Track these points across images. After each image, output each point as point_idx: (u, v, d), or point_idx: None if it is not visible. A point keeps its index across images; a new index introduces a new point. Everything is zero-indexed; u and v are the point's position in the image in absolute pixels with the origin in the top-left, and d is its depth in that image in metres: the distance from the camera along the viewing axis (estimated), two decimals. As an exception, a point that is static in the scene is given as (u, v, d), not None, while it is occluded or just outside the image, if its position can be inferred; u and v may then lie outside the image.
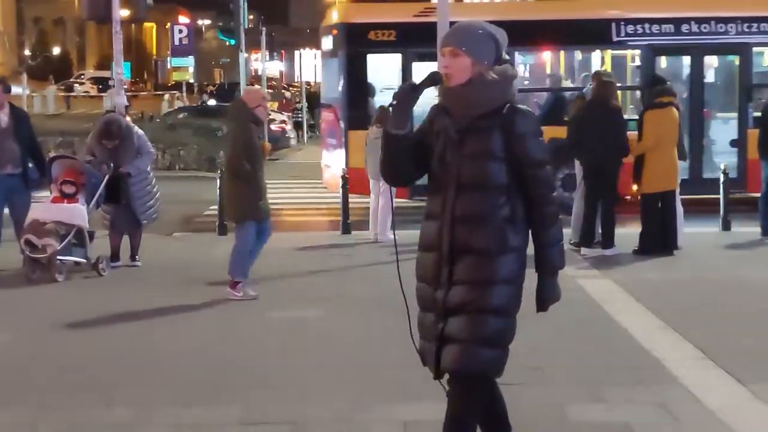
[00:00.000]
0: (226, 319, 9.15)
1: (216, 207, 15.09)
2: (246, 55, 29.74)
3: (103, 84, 70.61)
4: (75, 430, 6.07)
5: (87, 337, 8.56)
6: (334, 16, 18.94)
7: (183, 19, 62.22)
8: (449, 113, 4.56)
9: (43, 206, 11.33)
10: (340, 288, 10.58)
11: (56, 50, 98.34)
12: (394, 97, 4.56)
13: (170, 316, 9.30)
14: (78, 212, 11.22)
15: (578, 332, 8.45)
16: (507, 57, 4.61)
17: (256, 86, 14.41)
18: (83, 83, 79.04)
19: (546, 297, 4.68)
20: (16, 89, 48.21)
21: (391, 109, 4.56)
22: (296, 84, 65.00)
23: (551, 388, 6.78)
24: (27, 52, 78.63)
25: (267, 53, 41.39)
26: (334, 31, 18.54)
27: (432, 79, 4.59)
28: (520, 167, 4.48)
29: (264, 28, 40.44)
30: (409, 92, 4.55)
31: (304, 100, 41.63)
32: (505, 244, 4.47)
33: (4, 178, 11.49)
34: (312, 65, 47.62)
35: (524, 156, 4.48)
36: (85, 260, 11.35)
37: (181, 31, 37.28)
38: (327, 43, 19.18)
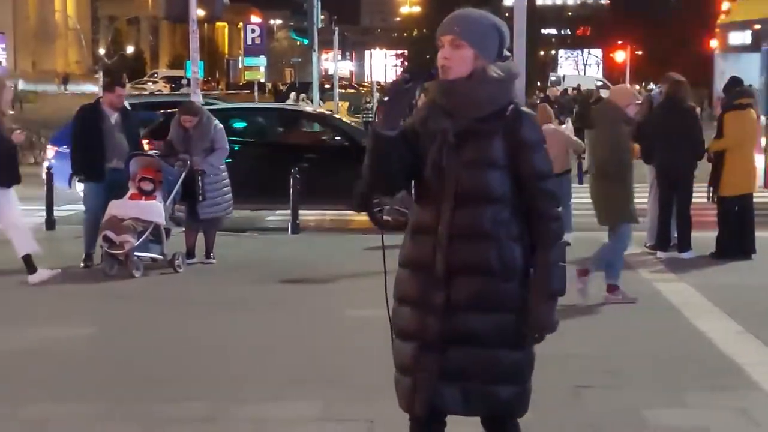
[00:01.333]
0: (301, 315, 9.21)
1: (288, 206, 15.16)
2: (318, 54, 29.86)
3: (175, 83, 71.45)
4: (152, 424, 6.14)
5: (164, 332, 8.67)
6: (740, 12, 19.18)
7: (255, 19, 62.63)
8: (448, 113, 3.98)
9: (122, 203, 11.48)
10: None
11: (130, 49, 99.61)
12: (387, 92, 4.03)
13: (245, 313, 9.38)
14: (155, 209, 11.36)
15: (655, 336, 8.37)
16: (508, 54, 4.09)
17: (625, 84, 14.15)
18: (156, 82, 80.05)
19: (540, 326, 3.97)
20: (92, 88, 49.08)
21: (381, 105, 4.07)
22: (366, 84, 65.20)
23: (629, 392, 6.72)
24: (101, 51, 79.72)
25: (339, 53, 41.54)
26: (756, 27, 18.70)
27: (429, 75, 4.06)
28: (522, 178, 3.92)
29: (336, 28, 40.64)
30: (403, 87, 3.95)
31: (375, 100, 41.71)
32: (513, 265, 3.91)
33: (110, 172, 11.71)
34: (382, 65, 47.68)
35: (529, 166, 3.92)
36: (161, 256, 11.49)
37: (253, 31, 37.50)
38: (739, 38, 19.29)
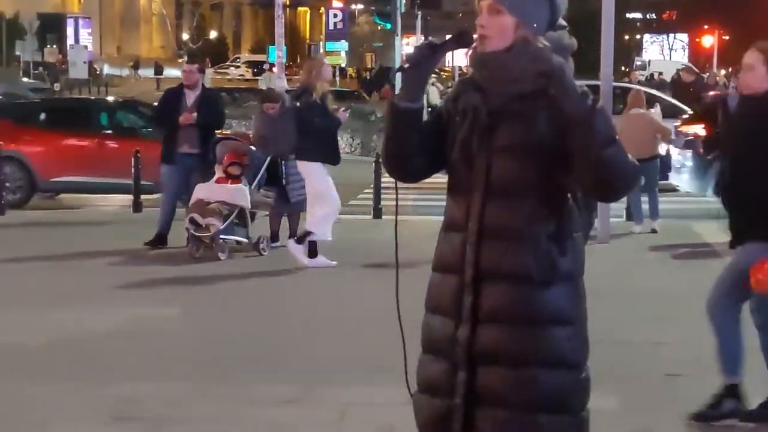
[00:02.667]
0: (387, 300, 9.21)
1: (370, 191, 15.17)
2: (400, 39, 29.86)
3: (257, 68, 71.92)
4: (238, 404, 6.20)
5: (249, 314, 8.74)
6: None
7: (337, 4, 62.78)
8: (481, 89, 3.38)
9: (208, 186, 11.59)
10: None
11: (213, 34, 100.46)
12: (408, 59, 3.43)
13: (330, 296, 9.42)
14: (241, 193, 11.45)
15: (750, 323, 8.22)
16: (563, 24, 3.45)
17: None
18: (239, 66, 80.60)
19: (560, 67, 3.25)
20: (176, 72, 49.63)
21: (401, 74, 3.40)
22: (447, 69, 65.00)
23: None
24: (185, 36, 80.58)
25: (421, 37, 41.48)
26: None
27: (461, 39, 3.42)
28: (576, 151, 3.24)
29: (419, 12, 40.54)
30: (427, 53, 3.37)
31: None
32: (552, 269, 3.30)
33: (182, 157, 11.83)
34: (464, 49, 47.33)
35: (582, 135, 3.21)
36: (246, 240, 11.58)
37: (335, 16, 37.65)
38: None
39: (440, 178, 3.52)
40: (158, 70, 64.10)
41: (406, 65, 3.39)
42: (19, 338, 7.79)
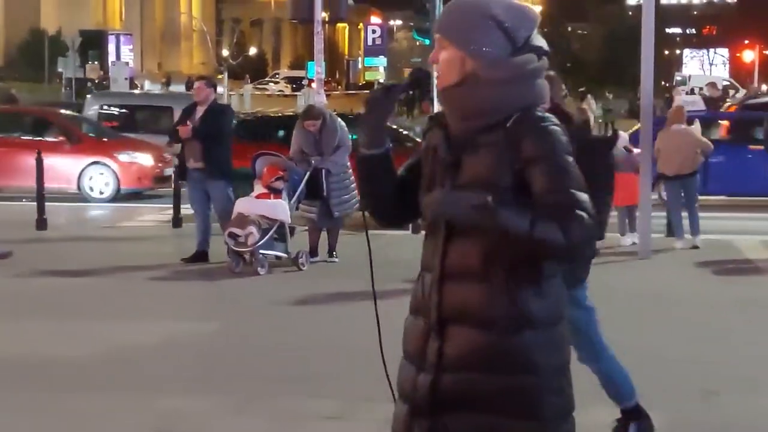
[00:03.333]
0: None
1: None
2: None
3: (296, 83, 72.24)
4: (281, 419, 6.22)
5: (290, 329, 8.77)
6: None
7: (375, 20, 63.06)
8: (446, 124, 3.23)
9: (248, 201, 11.66)
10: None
11: (253, 50, 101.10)
12: (365, 104, 3.32)
13: (370, 312, 9.42)
14: (281, 208, 11.51)
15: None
16: (537, 44, 3.20)
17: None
18: (278, 82, 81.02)
19: (444, 201, 3.09)
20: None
21: (361, 120, 3.30)
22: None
23: (762, 398, 6.57)
24: (225, 53, 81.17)
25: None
26: None
27: (416, 79, 3.37)
28: (535, 199, 3.05)
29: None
30: (380, 96, 3.28)
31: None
32: (519, 314, 3.08)
33: (191, 172, 11.92)
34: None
35: (538, 182, 3.05)
36: (285, 254, 11.63)
37: (374, 32, 37.79)
38: None
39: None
40: (189, 86, 64.46)
41: (363, 112, 3.30)
42: (65, 351, 7.87)
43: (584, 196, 3.03)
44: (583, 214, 3.00)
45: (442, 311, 3.17)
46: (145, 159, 19.61)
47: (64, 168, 18.89)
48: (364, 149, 3.28)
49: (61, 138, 19.91)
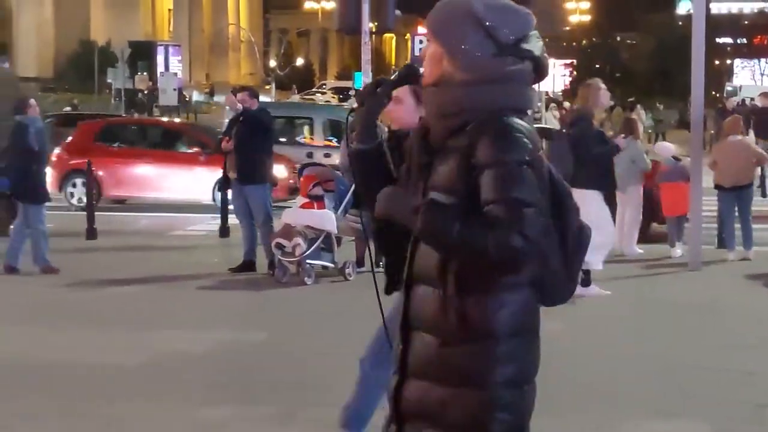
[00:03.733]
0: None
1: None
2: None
3: (343, 94, 72.42)
4: (327, 428, 6.20)
5: (335, 339, 8.75)
6: None
7: (422, 30, 63.00)
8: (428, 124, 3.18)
9: (295, 211, 11.68)
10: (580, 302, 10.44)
11: (300, 61, 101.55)
12: (357, 98, 3.34)
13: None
14: (328, 218, 11.51)
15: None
16: (528, 47, 3.08)
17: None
18: (325, 93, 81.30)
19: (387, 199, 3.07)
20: (263, 99, 50.19)
21: (350, 116, 3.31)
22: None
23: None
24: (272, 63, 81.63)
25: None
26: None
27: (405, 74, 3.33)
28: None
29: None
30: (371, 91, 3.27)
31: (544, 110, 41.40)
32: (467, 324, 2.99)
33: (233, 182, 11.97)
34: (551, 74, 47.12)
35: (484, 191, 2.94)
36: (332, 264, 11.63)
37: (421, 42, 37.64)
38: None
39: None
40: (211, 93, 64.94)
41: (354, 107, 3.29)
42: (112, 359, 7.92)
43: (526, 210, 2.89)
44: (516, 227, 2.87)
45: (407, 316, 3.12)
46: (279, 170, 19.39)
47: (198, 179, 18.90)
48: (356, 144, 3.26)
49: (195, 149, 19.82)
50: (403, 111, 4.99)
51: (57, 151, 19.33)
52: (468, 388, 2.99)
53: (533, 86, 3.17)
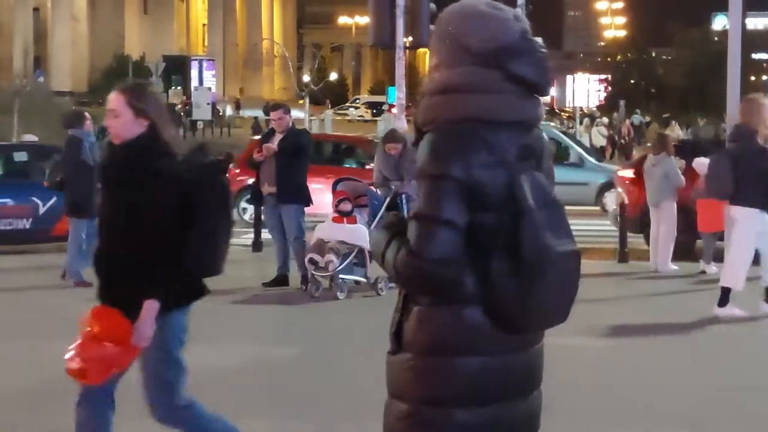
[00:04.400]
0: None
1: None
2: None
3: (376, 108, 72.59)
4: (361, 446, 6.18)
5: (367, 354, 8.71)
6: None
7: (456, 45, 63.01)
8: None
9: (327, 226, 11.68)
10: (615, 317, 10.36)
11: (333, 76, 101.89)
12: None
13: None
14: (360, 233, 11.50)
15: None
16: (504, 59, 3.00)
17: None
18: (358, 107, 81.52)
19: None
20: (297, 114, 50.35)
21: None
22: (568, 109, 64.61)
23: None
24: (306, 78, 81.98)
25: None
26: None
27: None
28: None
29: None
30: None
31: (578, 124, 41.30)
32: (399, 336, 3.13)
33: (266, 196, 11.96)
34: (585, 90, 47.01)
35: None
36: (365, 279, 11.62)
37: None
38: None
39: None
40: (267, 111, 64.96)
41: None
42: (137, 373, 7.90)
43: (435, 228, 2.88)
44: (422, 245, 2.88)
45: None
46: None
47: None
48: None
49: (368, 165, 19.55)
50: (119, 125, 4.78)
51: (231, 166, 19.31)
52: (396, 399, 3.08)
53: (523, 95, 3.00)
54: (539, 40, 3.09)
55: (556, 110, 70.34)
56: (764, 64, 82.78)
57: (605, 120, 41.30)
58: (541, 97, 3.10)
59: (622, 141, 39.84)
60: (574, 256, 2.99)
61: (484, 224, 2.94)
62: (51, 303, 11.10)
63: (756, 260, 10.22)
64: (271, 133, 12.13)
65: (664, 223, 13.36)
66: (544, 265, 2.90)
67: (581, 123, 42.17)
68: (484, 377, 2.99)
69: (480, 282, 2.94)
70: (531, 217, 2.91)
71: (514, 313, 2.95)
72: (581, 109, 45.98)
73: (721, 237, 12.94)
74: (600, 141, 38.39)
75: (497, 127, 2.98)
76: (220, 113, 61.09)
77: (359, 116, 74.69)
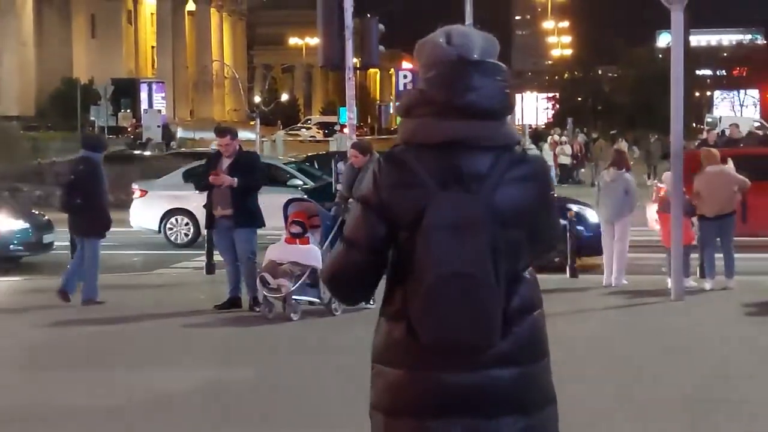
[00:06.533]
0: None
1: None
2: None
3: (328, 129, 72.60)
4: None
5: (321, 375, 8.77)
6: None
7: (407, 65, 63.27)
8: None
9: (280, 247, 11.70)
10: (565, 331, 10.49)
11: (285, 96, 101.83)
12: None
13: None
14: (313, 253, 11.53)
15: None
16: (428, 90, 3.15)
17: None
18: (310, 128, 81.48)
19: None
20: (248, 135, 50.30)
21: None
22: (517, 126, 65.05)
23: None
24: (257, 99, 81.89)
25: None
26: None
27: None
28: None
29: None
30: None
31: (528, 142, 41.57)
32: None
33: (218, 219, 11.95)
34: (533, 108, 47.35)
35: None
36: (318, 300, 11.64)
37: (405, 76, 37.90)
38: None
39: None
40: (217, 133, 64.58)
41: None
42: (100, 400, 7.91)
43: (341, 247, 3.15)
44: (331, 261, 3.19)
45: None
46: None
47: None
48: None
49: None
50: None
51: None
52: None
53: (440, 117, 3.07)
54: (488, 61, 3.14)
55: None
56: (708, 80, 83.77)
57: (565, 138, 41.59)
58: (492, 117, 3.11)
59: (574, 160, 40.21)
60: (463, 279, 2.98)
61: (400, 243, 3.08)
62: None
63: None
64: (218, 156, 12.13)
65: (620, 240, 13.54)
66: (436, 285, 2.99)
67: (536, 141, 42.38)
68: (401, 390, 3.10)
69: (403, 298, 3.07)
70: (429, 237, 2.99)
71: (418, 328, 3.04)
72: (530, 126, 46.33)
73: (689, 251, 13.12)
74: (565, 159, 38.76)
75: (423, 149, 3.09)
76: (173, 136, 60.56)
77: (311, 137, 74.64)
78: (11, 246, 16.93)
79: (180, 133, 66.43)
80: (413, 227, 3.02)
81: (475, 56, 3.12)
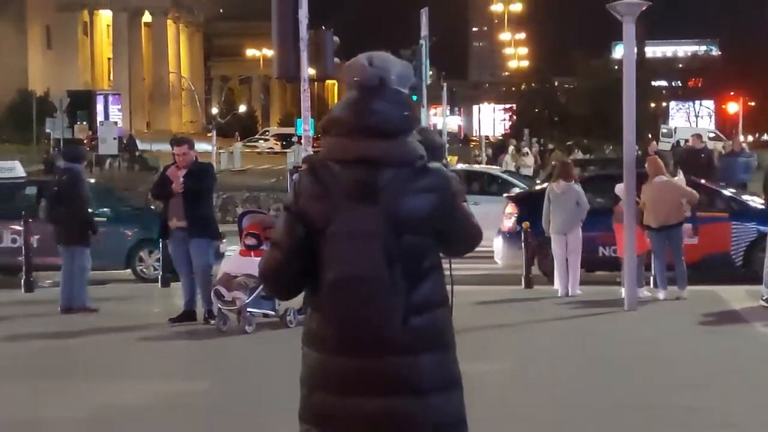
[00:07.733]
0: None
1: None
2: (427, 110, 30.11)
3: (286, 140, 72.47)
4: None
5: (277, 388, 8.74)
6: None
7: (363, 76, 63.32)
8: None
9: (234, 259, 11.68)
10: (523, 342, 10.54)
11: (242, 108, 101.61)
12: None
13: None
14: (267, 265, 11.50)
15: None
16: (336, 110, 3.72)
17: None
18: (267, 139, 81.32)
19: None
20: (205, 146, 50.10)
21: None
22: (474, 138, 65.34)
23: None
24: (214, 110, 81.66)
25: (447, 108, 41.78)
26: None
27: None
28: None
29: (445, 84, 40.92)
30: None
31: (484, 153, 41.77)
32: None
33: (173, 230, 11.90)
34: (491, 119, 47.52)
35: None
36: (273, 312, 11.62)
37: (362, 88, 37.97)
38: None
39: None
40: (173, 145, 64.26)
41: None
42: (52, 412, 7.86)
43: (268, 249, 3.69)
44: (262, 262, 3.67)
45: None
46: None
47: None
48: None
49: None
50: None
51: None
52: None
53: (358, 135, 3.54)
54: (390, 88, 3.62)
55: (468, 139, 71.10)
56: (663, 91, 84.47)
57: (527, 149, 41.82)
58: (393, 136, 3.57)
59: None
60: (357, 280, 3.46)
61: (314, 246, 3.56)
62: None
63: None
64: (172, 167, 12.08)
65: (574, 250, 13.62)
66: (336, 284, 3.51)
67: (499, 153, 42.52)
68: (316, 370, 3.66)
69: (319, 293, 3.58)
70: (332, 242, 3.50)
71: (326, 321, 3.58)
72: (486, 137, 46.52)
73: (643, 260, 13.20)
74: (527, 171, 38.95)
75: (336, 165, 3.56)
76: (136, 146, 60.05)
77: (269, 148, 74.50)
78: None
79: (138, 145, 66.08)
80: (323, 233, 3.51)
81: (393, 77, 3.62)
